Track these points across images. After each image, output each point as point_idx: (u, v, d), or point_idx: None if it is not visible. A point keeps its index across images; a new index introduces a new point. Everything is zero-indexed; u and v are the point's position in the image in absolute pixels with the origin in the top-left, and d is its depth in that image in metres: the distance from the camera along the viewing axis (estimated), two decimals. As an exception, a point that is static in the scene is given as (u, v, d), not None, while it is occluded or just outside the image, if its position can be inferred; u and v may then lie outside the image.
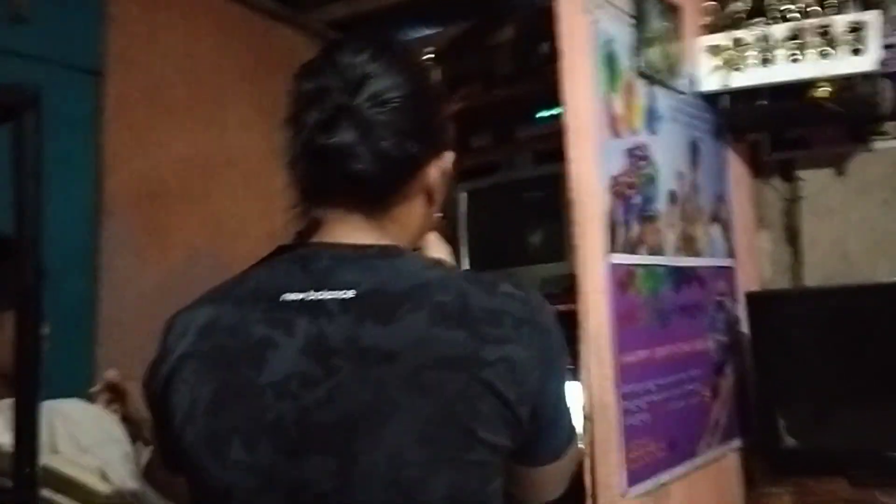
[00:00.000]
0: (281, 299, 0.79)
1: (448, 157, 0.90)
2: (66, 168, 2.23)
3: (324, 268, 0.81)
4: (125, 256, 2.28)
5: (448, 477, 0.75)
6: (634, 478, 1.51)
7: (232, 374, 0.78)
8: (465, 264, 2.36)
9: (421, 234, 0.93)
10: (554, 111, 2.50)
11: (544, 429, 0.83)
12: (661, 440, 1.61)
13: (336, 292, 0.78)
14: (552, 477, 0.91)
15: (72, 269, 2.22)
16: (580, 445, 1.40)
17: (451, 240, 2.42)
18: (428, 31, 3.02)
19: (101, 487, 1.11)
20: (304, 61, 0.88)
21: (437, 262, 0.88)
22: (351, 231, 0.84)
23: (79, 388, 2.14)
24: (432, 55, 2.79)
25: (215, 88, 2.51)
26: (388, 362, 0.75)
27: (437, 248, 1.01)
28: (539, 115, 2.38)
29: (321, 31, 2.96)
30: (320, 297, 0.78)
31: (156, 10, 2.38)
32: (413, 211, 0.88)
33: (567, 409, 0.88)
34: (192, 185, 2.42)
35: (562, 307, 1.86)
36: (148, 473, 1.05)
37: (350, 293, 0.78)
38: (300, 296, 0.79)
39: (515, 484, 0.88)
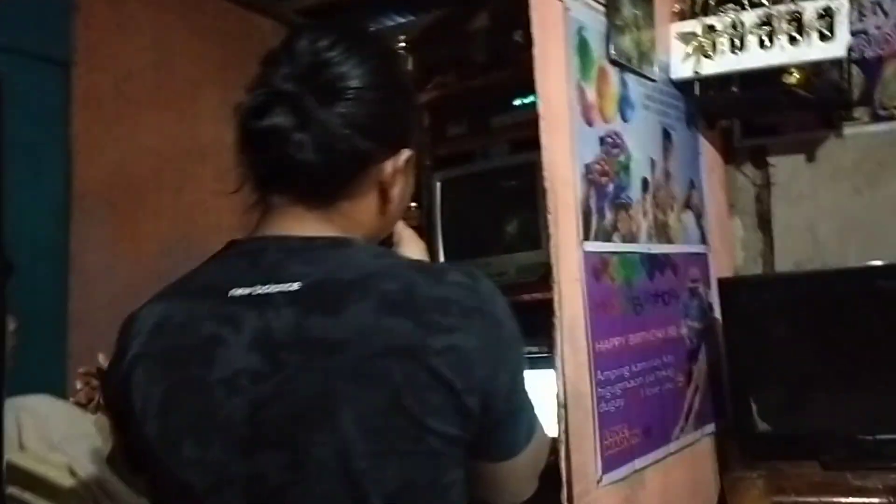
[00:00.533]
0: (229, 295, 0.79)
1: (405, 155, 0.87)
2: (35, 160, 2.20)
3: (272, 261, 0.80)
4: (96, 250, 2.26)
5: (398, 468, 0.74)
6: (609, 464, 1.52)
7: (182, 373, 0.78)
8: (441, 254, 2.36)
9: (375, 233, 0.90)
10: (529, 99, 2.50)
11: (500, 422, 0.81)
12: (636, 426, 1.63)
13: (283, 285, 0.78)
14: (514, 474, 0.89)
15: (42, 262, 2.19)
16: (553, 435, 1.42)
17: (427, 229, 2.45)
18: (402, 20, 3.00)
19: (68, 483, 1.10)
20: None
21: (388, 252, 0.86)
22: (300, 223, 0.83)
23: (51, 382, 2.13)
24: (406, 44, 2.78)
25: (187, 79, 2.48)
26: (335, 353, 0.75)
27: (411, 244, 1.00)
28: (514, 103, 2.37)
29: (294, 20, 2.94)
30: (268, 291, 0.77)
31: (124, 2, 2.34)
32: (364, 207, 0.86)
33: (527, 405, 0.86)
34: (164, 177, 2.39)
35: (538, 295, 1.91)
36: (112, 462, 1.04)
37: (296, 285, 0.77)
38: (248, 290, 0.78)
39: (478, 484, 0.85)
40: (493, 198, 2.36)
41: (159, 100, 2.40)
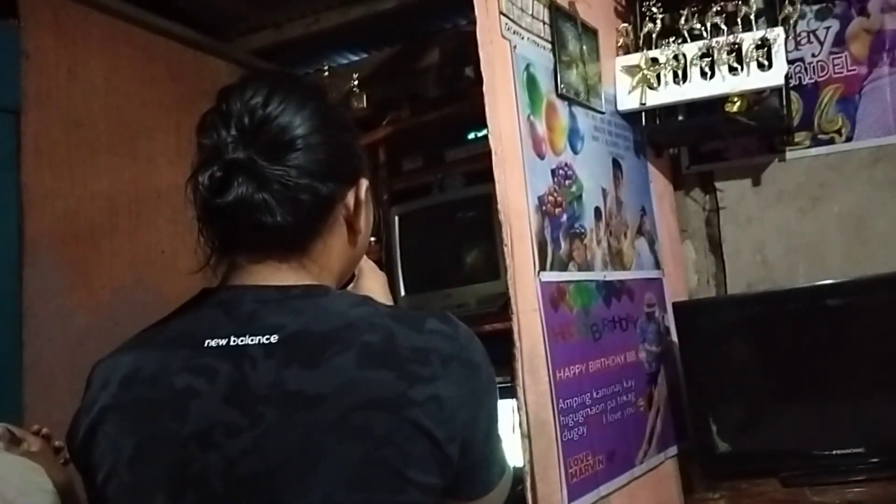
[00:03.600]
0: (204, 346, 0.78)
1: (363, 185, 0.88)
2: (-14, 210, 2.17)
3: (247, 312, 0.79)
4: (50, 297, 2.22)
5: None
6: (575, 492, 1.53)
7: (154, 426, 0.77)
8: (401, 287, 2.37)
9: (349, 265, 0.91)
10: (482, 132, 2.54)
11: (476, 464, 0.82)
12: (600, 452, 1.64)
13: (259, 337, 0.76)
14: None
15: (-5, 313, 2.15)
16: (517, 466, 1.43)
17: (386, 262, 2.46)
18: (354, 58, 3.04)
19: None
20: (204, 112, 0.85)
21: (364, 299, 0.86)
22: (273, 272, 0.82)
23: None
24: (359, 81, 2.81)
25: (140, 122, 2.47)
26: (315, 406, 0.73)
27: (371, 276, 1.01)
28: (468, 136, 2.41)
29: (247, 60, 2.95)
30: (243, 343, 0.76)
31: (74, 45, 2.33)
32: (333, 246, 0.86)
33: (499, 443, 0.87)
34: (118, 222, 2.36)
35: (499, 325, 1.93)
36: None
37: (274, 337, 0.76)
38: (223, 341, 0.77)
39: None
40: (451, 230, 2.39)
41: (112, 144, 2.38)
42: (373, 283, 0.99)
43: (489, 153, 1.51)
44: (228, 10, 2.68)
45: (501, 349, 1.54)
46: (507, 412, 1.98)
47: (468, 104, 2.08)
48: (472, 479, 0.84)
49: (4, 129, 2.20)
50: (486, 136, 1.52)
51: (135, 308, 2.21)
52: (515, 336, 1.47)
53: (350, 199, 0.86)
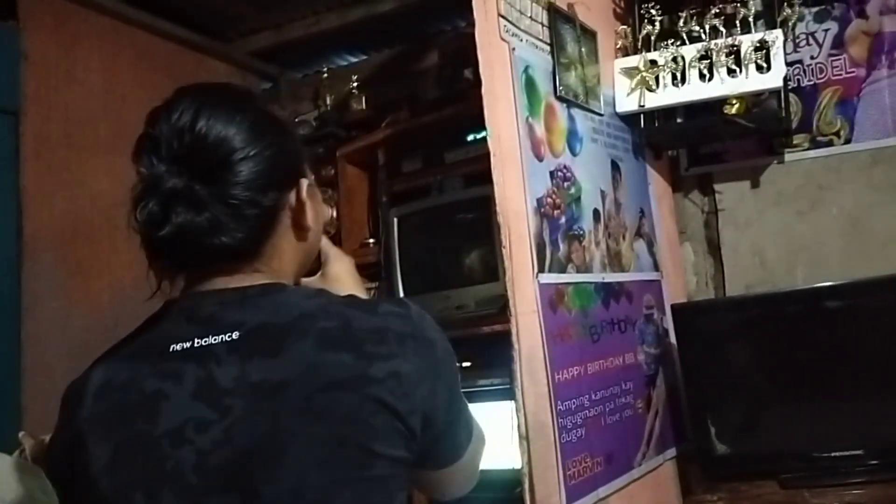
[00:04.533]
0: (170, 351, 0.80)
1: (304, 184, 0.89)
2: (-15, 211, 2.17)
3: (208, 314, 0.81)
4: (50, 299, 2.22)
5: (351, 495, 0.76)
6: (574, 494, 1.53)
7: (128, 431, 0.78)
8: (400, 289, 2.37)
9: (304, 259, 0.93)
10: (482, 134, 2.54)
11: (441, 434, 0.85)
12: (599, 455, 1.64)
13: (221, 335, 0.79)
14: (456, 476, 0.94)
15: (-7, 314, 2.15)
16: (516, 467, 1.43)
17: (385, 264, 2.46)
18: (354, 59, 3.04)
19: None
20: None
21: (319, 292, 0.88)
22: (230, 278, 0.84)
23: (5, 439, 2.07)
24: (358, 83, 2.82)
25: (138, 123, 2.44)
26: (280, 393, 0.76)
27: (338, 261, 1.03)
28: (467, 137, 2.41)
29: (247, 61, 2.96)
30: (206, 343, 0.79)
31: (74, 47, 2.34)
32: (283, 247, 0.88)
33: (464, 410, 0.90)
34: (115, 222, 2.32)
35: (498, 327, 1.93)
36: None
37: (235, 334, 0.79)
38: (186, 344, 0.80)
39: (422, 486, 0.92)
40: (451, 231, 2.39)
41: (111, 145, 2.38)
42: (340, 268, 1.02)
43: (488, 155, 1.51)
44: (228, 11, 2.68)
45: (500, 350, 1.55)
46: (505, 413, 1.99)
47: (467, 106, 2.08)
48: (438, 448, 0.87)
49: (4, 131, 2.20)
50: (485, 138, 1.53)
51: (134, 308, 2.17)
52: (514, 338, 1.47)
53: (292, 200, 0.88)
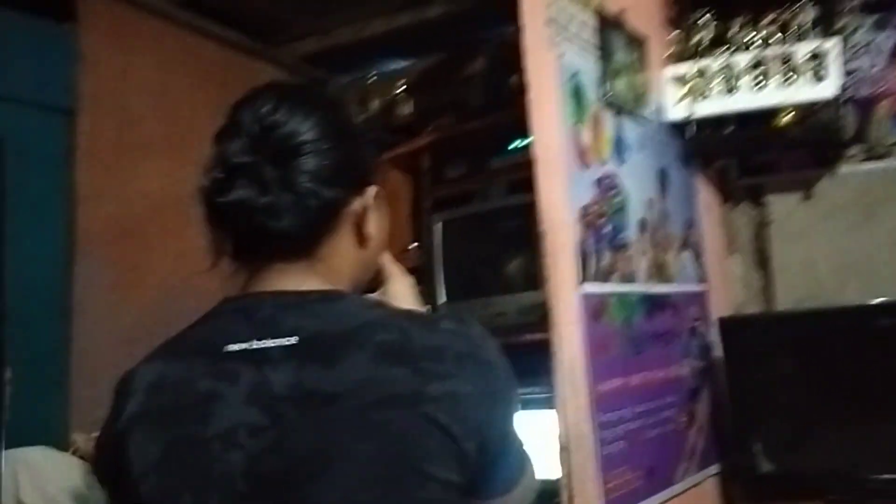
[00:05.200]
0: (225, 350, 0.79)
1: (371, 192, 0.90)
2: (38, 208, 2.21)
3: (267, 316, 0.81)
4: (99, 296, 2.26)
5: None
6: (612, 508, 1.51)
7: (180, 431, 0.79)
8: (441, 294, 2.36)
9: (362, 269, 0.92)
10: (526, 141, 2.53)
11: (493, 462, 0.83)
12: (639, 469, 1.62)
13: (279, 339, 0.79)
14: None
15: (44, 310, 2.20)
16: (555, 478, 1.41)
17: (427, 270, 2.46)
18: (400, 64, 3.05)
19: None
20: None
21: (379, 303, 0.88)
22: (288, 277, 0.84)
23: (52, 432, 2.12)
24: (405, 88, 2.82)
25: (189, 124, 2.50)
26: (333, 404, 0.75)
27: (399, 280, 1.01)
28: (512, 145, 2.40)
29: (295, 65, 2.99)
30: (263, 346, 0.79)
31: (128, 47, 2.38)
32: (343, 250, 0.88)
33: (517, 441, 0.88)
34: (165, 222, 2.40)
35: (539, 336, 1.91)
36: None
37: (293, 339, 0.78)
38: (244, 345, 0.79)
39: None
40: (493, 238, 2.37)
41: (161, 146, 2.43)
42: (400, 287, 1.00)
43: (532, 162, 1.50)
44: (277, 15, 2.71)
45: (541, 359, 1.54)
46: (545, 423, 1.97)
47: (513, 113, 2.06)
48: (490, 477, 0.84)
49: (59, 130, 2.25)
50: (529, 146, 1.52)
51: (181, 309, 2.19)
52: (555, 348, 1.46)
53: (357, 204, 0.88)
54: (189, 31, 2.56)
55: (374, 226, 0.90)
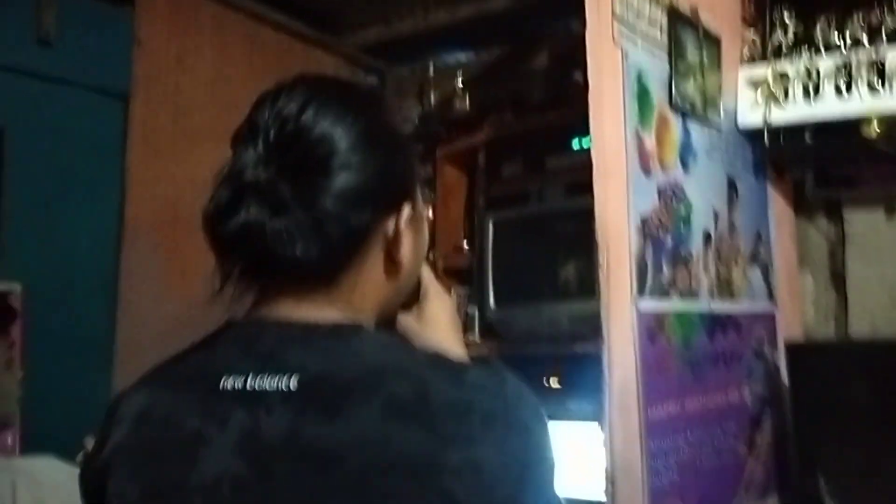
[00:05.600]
0: (220, 386, 0.70)
1: (407, 212, 0.77)
2: (90, 192, 2.22)
3: (268, 349, 0.71)
4: (147, 282, 2.25)
5: None
6: (660, 542, 1.40)
7: (161, 473, 0.70)
8: (490, 299, 2.28)
9: (392, 298, 0.80)
10: (587, 141, 2.43)
11: None
12: (691, 500, 1.51)
13: (278, 377, 0.68)
14: None
15: (92, 293, 2.20)
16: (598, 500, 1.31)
17: (477, 271, 2.37)
18: (461, 56, 2.97)
19: None
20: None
21: (399, 342, 0.76)
22: (302, 306, 0.73)
23: (96, 413, 2.12)
24: (463, 81, 2.74)
25: (244, 112, 2.46)
26: (331, 466, 0.65)
27: (437, 301, 0.89)
28: (572, 144, 2.29)
29: (354, 55, 2.94)
30: (260, 386, 0.69)
31: (185, 33, 2.36)
32: (368, 279, 0.76)
33: None
34: (215, 212, 2.38)
35: (590, 347, 1.82)
36: None
37: (293, 380, 0.68)
38: (240, 381, 0.70)
39: None
40: (548, 242, 2.27)
41: (215, 133, 2.37)
42: (438, 309, 0.87)
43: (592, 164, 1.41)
44: (337, 3, 2.67)
45: (593, 372, 1.44)
46: (593, 437, 1.88)
47: (574, 111, 1.97)
48: None
49: (113, 114, 2.25)
50: (590, 147, 1.43)
51: (224, 301, 2.17)
52: (606, 368, 1.36)
53: (389, 227, 0.76)
54: (247, 17, 2.53)
55: (408, 250, 0.77)
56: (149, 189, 2.28)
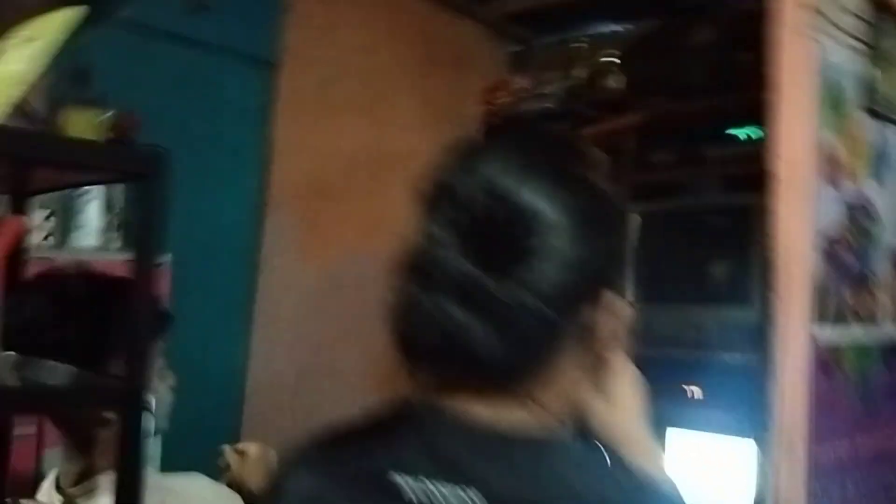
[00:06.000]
0: (394, 487, 0.63)
1: (609, 301, 0.67)
2: (235, 160, 2.24)
3: (450, 453, 0.64)
4: (286, 252, 2.28)
5: None
6: None
7: None
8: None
9: (584, 389, 0.72)
10: (751, 130, 2.26)
11: None
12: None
13: (458, 492, 0.61)
14: None
15: (234, 261, 2.24)
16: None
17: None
18: (613, 29, 2.81)
19: None
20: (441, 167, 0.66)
21: (596, 461, 0.67)
22: (487, 402, 0.65)
23: (234, 377, 2.18)
24: (617, 57, 2.58)
25: (387, 85, 2.44)
26: None
27: (624, 380, 0.76)
28: (733, 133, 2.13)
29: (499, 23, 2.83)
30: (437, 495, 0.62)
31: (335, 2, 2.33)
32: (564, 375, 0.67)
33: None
34: (355, 184, 2.37)
35: (741, 357, 1.69)
36: None
37: (473, 494, 0.61)
38: (413, 489, 0.63)
39: None
40: (699, 239, 2.13)
41: (358, 104, 2.38)
42: (626, 388, 0.75)
43: (755, 157, 1.30)
44: (485, -28, 2.56)
45: (743, 386, 1.31)
46: (738, 451, 1.76)
47: (739, 96, 1.82)
48: None
49: (261, 81, 2.26)
50: (753, 136, 1.30)
51: (361, 274, 2.15)
52: (776, 404, 1.24)
53: (589, 317, 0.66)
54: (393, -16, 2.47)
55: (608, 339, 0.68)
56: (292, 159, 2.28)
